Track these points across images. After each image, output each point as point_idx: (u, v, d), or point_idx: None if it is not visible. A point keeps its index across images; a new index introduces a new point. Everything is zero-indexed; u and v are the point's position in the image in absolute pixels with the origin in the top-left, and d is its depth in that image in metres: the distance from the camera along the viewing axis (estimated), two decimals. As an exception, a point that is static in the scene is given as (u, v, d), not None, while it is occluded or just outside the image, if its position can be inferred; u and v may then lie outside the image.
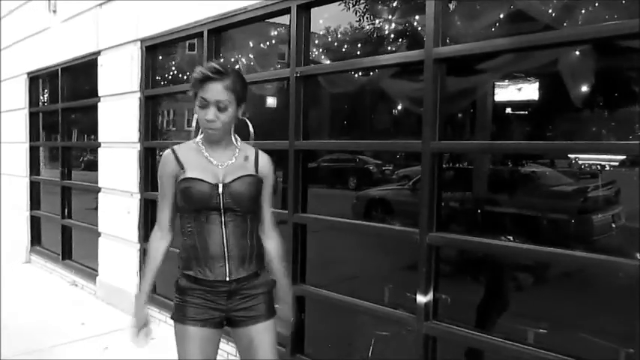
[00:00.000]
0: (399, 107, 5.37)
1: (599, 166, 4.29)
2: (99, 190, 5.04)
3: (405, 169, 6.24)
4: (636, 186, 4.24)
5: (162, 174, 1.90)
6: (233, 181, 1.86)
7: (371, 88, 4.78)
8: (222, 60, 4.01)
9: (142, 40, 4.34)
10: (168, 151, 1.91)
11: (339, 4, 3.71)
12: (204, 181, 1.82)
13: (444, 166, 2.73)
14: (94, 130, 5.22)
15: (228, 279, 1.85)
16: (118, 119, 4.65)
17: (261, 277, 1.96)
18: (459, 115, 4.64)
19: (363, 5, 4.73)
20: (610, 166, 4.15)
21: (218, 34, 3.77)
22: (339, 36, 4.84)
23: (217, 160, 1.88)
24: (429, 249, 2.48)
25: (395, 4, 4.67)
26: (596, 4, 3.57)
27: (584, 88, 4.56)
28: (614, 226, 4.06)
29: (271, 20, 3.71)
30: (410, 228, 2.57)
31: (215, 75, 1.77)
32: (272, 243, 2.01)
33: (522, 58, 3.20)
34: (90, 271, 5.37)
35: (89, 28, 5.02)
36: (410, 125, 5.89)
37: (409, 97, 4.96)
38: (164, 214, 1.97)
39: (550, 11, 3.17)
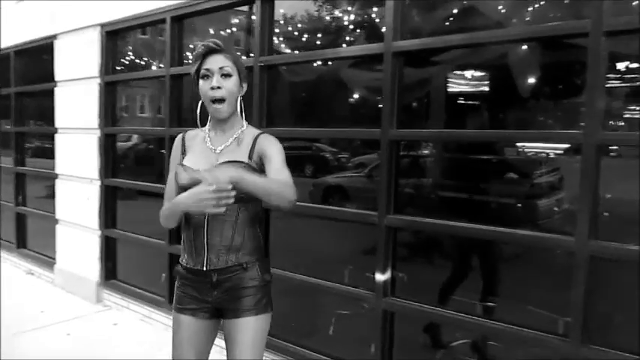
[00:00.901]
0: (357, 96, 5.53)
1: (544, 154, 4.57)
2: (56, 176, 4.98)
3: (360, 157, 6.40)
4: (578, 173, 4.56)
5: (171, 157, 1.95)
6: (215, 167, 1.78)
7: (330, 77, 4.90)
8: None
9: (103, 25, 4.31)
10: (179, 135, 1.96)
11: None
12: (190, 169, 1.78)
13: (401, 153, 2.89)
14: (48, 115, 5.14)
15: (205, 269, 1.80)
16: (77, 105, 4.61)
17: (250, 271, 1.83)
18: (414, 104, 4.82)
19: (323, -4, 4.83)
20: (554, 154, 4.44)
21: (181, 21, 3.80)
22: (298, 25, 4.93)
23: (216, 144, 1.86)
24: (387, 230, 2.64)
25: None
26: (542, 3, 3.81)
27: (531, 80, 4.84)
28: (557, 210, 4.35)
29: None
30: (369, 211, 2.72)
31: (217, 47, 1.80)
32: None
33: (474, 52, 3.41)
34: (46, 259, 5.31)
35: (45, 11, 4.92)
36: (367, 113, 6.07)
37: (367, 86, 5.12)
38: (167, 196, 1.92)
39: (500, 8, 3.37)
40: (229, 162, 1.80)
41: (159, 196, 3.93)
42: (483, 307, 2.78)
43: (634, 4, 2.53)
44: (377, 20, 4.79)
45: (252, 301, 1.81)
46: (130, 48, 4.52)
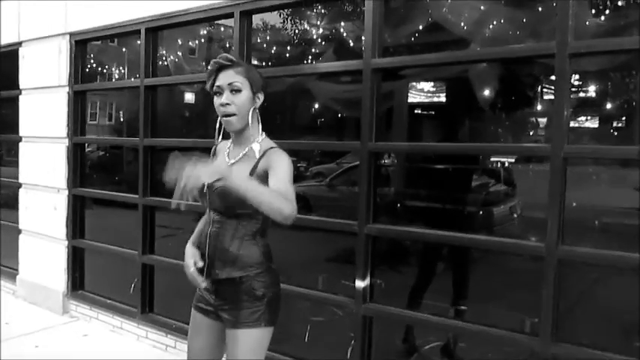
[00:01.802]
0: (318, 106, 5.67)
1: (499, 163, 4.86)
2: (19, 185, 4.87)
3: (318, 167, 6.56)
4: (530, 181, 4.84)
5: None
6: (217, 181, 1.74)
7: (298, 88, 5.04)
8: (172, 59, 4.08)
9: (72, 34, 4.27)
10: (215, 145, 2.04)
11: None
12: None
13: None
14: (9, 123, 5.03)
15: (204, 278, 1.86)
16: (44, 114, 4.54)
17: (245, 284, 1.84)
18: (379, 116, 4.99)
19: (292, 11, 4.97)
20: (508, 163, 4.74)
21: (156, 32, 3.83)
22: (267, 38, 5.05)
23: (231, 156, 1.91)
24: (367, 238, 2.77)
25: (323, 11, 4.96)
26: (502, 21, 4.07)
27: (489, 93, 5.12)
28: (514, 216, 4.62)
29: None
30: (349, 220, 2.84)
31: (227, 62, 1.84)
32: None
33: (442, 68, 3.61)
34: (7, 270, 5.16)
35: (9, 17, 4.82)
36: (336, 124, 6.22)
37: (335, 98, 5.28)
38: None
39: (462, 25, 3.60)
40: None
41: (129, 205, 3.97)
42: (456, 310, 2.95)
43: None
44: (344, 35, 4.97)
45: (246, 314, 1.83)
46: (100, 56, 4.50)
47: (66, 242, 4.43)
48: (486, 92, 5.30)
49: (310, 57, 5.39)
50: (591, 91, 4.24)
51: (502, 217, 4.50)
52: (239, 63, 1.89)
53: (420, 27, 3.80)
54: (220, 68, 1.86)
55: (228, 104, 1.82)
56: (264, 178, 1.78)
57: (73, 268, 4.42)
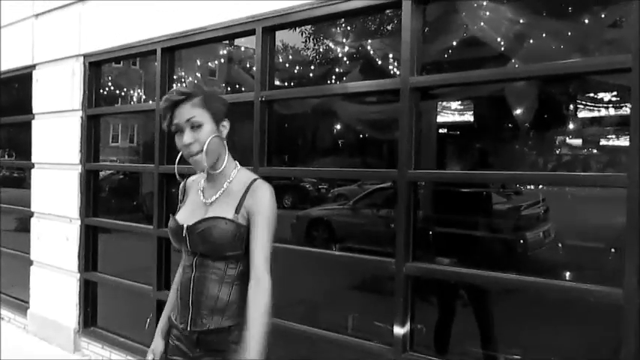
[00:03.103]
0: (351, 129, 5.39)
1: (526, 186, 4.52)
2: (31, 214, 4.65)
3: (339, 188, 6.24)
4: (561, 203, 4.47)
5: None
6: (199, 222, 1.68)
7: (322, 109, 4.76)
8: (186, 81, 3.86)
9: (85, 56, 4.08)
10: (182, 182, 1.86)
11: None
12: (175, 220, 1.72)
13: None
14: (24, 148, 4.84)
15: (189, 328, 1.67)
16: (57, 139, 4.33)
17: (234, 334, 1.65)
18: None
19: (315, 28, 4.72)
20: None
21: (172, 52, 3.61)
22: (290, 57, 4.81)
23: (207, 193, 1.73)
24: (406, 279, 2.44)
25: (348, 28, 4.70)
26: (544, 35, 3.74)
27: (527, 111, 4.76)
28: (545, 241, 4.26)
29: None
30: (386, 258, 2.52)
31: (180, 97, 1.63)
32: (250, 290, 1.58)
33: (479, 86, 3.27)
34: (19, 303, 4.92)
35: (24, 40, 4.66)
36: (364, 147, 5.92)
37: (362, 119, 4.98)
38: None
39: (499, 39, 3.27)
40: (213, 218, 1.66)
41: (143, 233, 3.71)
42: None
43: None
44: (371, 52, 4.69)
45: None
46: (116, 79, 4.30)
47: (78, 275, 4.17)
48: (525, 111, 4.94)
49: (334, 76, 5.13)
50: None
51: (535, 243, 4.19)
52: (193, 93, 1.66)
53: (454, 42, 3.53)
54: (175, 104, 1.64)
55: (191, 143, 1.63)
56: (247, 220, 1.64)
57: (84, 303, 4.15)
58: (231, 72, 5.64)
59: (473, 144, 4.67)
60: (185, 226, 1.68)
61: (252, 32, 3.02)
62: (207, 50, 5.27)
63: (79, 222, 4.15)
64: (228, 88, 1.63)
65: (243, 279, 1.65)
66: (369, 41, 4.71)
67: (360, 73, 4.84)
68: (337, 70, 5.11)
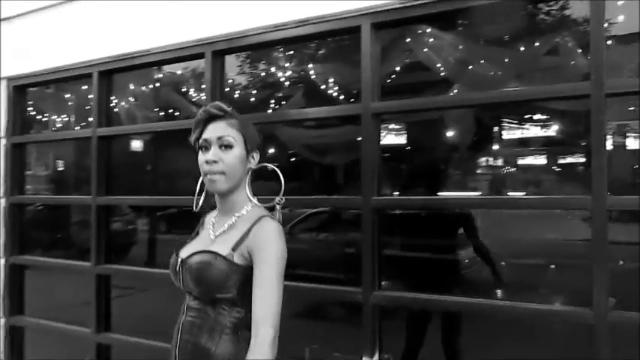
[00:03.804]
0: (295, 154, 5.33)
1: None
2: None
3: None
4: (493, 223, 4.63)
5: None
6: (191, 255, 1.55)
7: (264, 134, 4.68)
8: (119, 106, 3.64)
9: (10, 79, 3.76)
10: (203, 216, 1.74)
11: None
12: (176, 254, 1.59)
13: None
14: None
15: None
16: (-25, 170, 3.93)
17: None
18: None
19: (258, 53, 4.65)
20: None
21: (110, 76, 3.40)
22: (232, 81, 4.71)
23: (216, 227, 1.60)
24: (374, 309, 2.37)
25: (291, 53, 4.67)
26: (482, 62, 3.88)
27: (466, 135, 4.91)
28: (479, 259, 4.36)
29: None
30: (351, 287, 2.44)
31: (219, 112, 1.55)
32: (250, 346, 1.39)
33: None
34: None
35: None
36: (311, 172, 5.85)
37: (306, 145, 4.93)
38: None
39: (439, 65, 3.34)
40: (205, 252, 1.52)
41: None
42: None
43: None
44: (313, 77, 4.67)
45: None
46: (39, 104, 3.98)
47: (2, 320, 3.77)
48: (461, 134, 5.10)
49: (275, 101, 5.08)
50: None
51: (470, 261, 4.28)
52: (233, 114, 1.58)
53: (398, 67, 3.58)
54: (210, 118, 1.56)
55: (215, 161, 1.52)
56: (247, 260, 1.48)
57: (10, 353, 3.75)
58: (167, 96, 5.43)
59: (416, 167, 4.72)
60: (179, 259, 1.55)
61: (201, 56, 2.89)
62: (142, 74, 5.04)
63: (2, 260, 3.77)
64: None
65: (236, 329, 1.49)
66: (311, 66, 4.69)
67: (302, 98, 4.81)
68: (279, 95, 5.05)
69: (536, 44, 3.71)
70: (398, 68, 3.47)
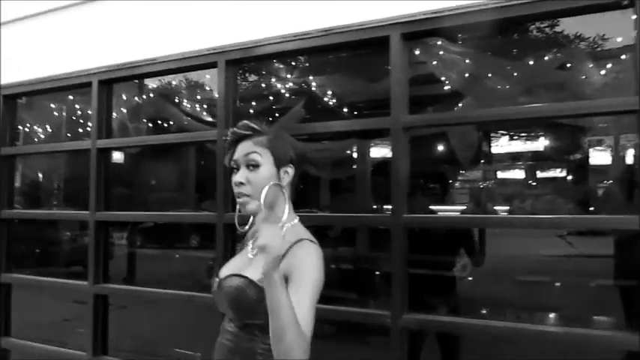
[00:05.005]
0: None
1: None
2: None
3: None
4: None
5: None
6: (226, 277, 1.50)
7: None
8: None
9: (1, 88, 3.55)
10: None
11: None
12: (218, 272, 1.55)
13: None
14: None
15: None
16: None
17: None
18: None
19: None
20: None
21: (111, 85, 3.23)
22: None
23: (255, 246, 1.50)
24: (402, 332, 2.25)
25: (293, 64, 4.57)
26: (490, 75, 3.84)
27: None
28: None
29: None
30: (380, 311, 2.32)
31: (246, 131, 1.49)
32: None
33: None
34: None
35: None
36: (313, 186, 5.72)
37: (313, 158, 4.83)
38: None
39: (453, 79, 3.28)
40: (237, 275, 1.47)
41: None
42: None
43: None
44: (313, 88, 4.58)
45: None
46: (41, 115, 3.79)
47: (-7, 342, 3.53)
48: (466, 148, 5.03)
49: (277, 112, 4.98)
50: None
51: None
52: (261, 131, 1.51)
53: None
54: (240, 139, 1.51)
55: (242, 183, 1.46)
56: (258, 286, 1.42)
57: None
58: (159, 106, 5.26)
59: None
60: (217, 280, 1.50)
61: (213, 65, 2.75)
62: (135, 84, 4.88)
63: (-11, 280, 3.54)
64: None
65: (268, 357, 1.37)
66: (311, 77, 4.60)
67: (303, 109, 4.71)
68: (280, 106, 4.94)
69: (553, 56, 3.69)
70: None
